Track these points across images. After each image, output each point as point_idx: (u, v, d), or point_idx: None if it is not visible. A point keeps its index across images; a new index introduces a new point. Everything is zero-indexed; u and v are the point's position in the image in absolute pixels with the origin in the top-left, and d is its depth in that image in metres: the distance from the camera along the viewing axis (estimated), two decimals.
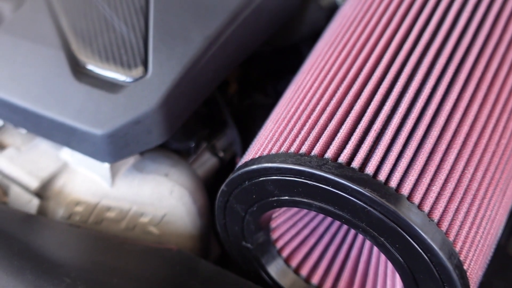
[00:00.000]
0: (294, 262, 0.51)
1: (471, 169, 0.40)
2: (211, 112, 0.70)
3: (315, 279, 0.51)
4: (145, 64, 0.56)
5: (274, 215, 0.48)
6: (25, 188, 0.58)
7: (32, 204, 0.57)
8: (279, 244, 0.51)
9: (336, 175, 0.36)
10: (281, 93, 0.62)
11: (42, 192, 0.58)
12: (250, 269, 0.51)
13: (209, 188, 0.66)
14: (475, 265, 0.39)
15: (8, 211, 0.51)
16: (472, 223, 0.39)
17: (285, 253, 0.51)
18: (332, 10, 0.81)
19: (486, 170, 0.41)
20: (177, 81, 0.53)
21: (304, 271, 0.51)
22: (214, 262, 0.64)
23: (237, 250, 0.50)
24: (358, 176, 0.36)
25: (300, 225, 0.52)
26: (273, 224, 0.49)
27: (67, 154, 0.59)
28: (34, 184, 0.57)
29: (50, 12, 0.62)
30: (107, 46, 0.58)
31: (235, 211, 0.46)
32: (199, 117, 0.68)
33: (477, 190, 0.40)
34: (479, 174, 0.40)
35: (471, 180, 0.39)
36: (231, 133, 0.73)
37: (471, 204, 0.39)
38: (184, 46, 0.55)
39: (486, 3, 0.49)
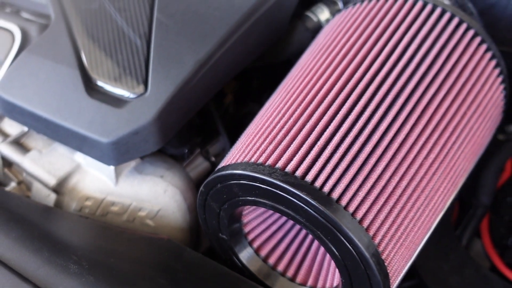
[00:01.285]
0: (263, 252, 0.61)
1: (396, 178, 0.49)
2: (204, 122, 0.81)
3: (280, 267, 0.61)
4: (145, 83, 0.67)
5: (244, 212, 0.58)
6: (45, 184, 0.69)
7: (50, 198, 0.69)
8: (251, 237, 0.61)
9: (282, 181, 0.46)
10: None
11: (58, 189, 0.69)
12: (226, 257, 0.62)
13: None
14: (396, 256, 0.48)
15: (31, 203, 0.63)
16: (393, 222, 0.48)
17: (256, 244, 0.61)
18: (317, 31, 0.91)
19: (411, 179, 0.51)
20: (170, 98, 0.64)
21: (272, 260, 0.61)
22: (203, 253, 0.75)
23: (215, 240, 0.61)
24: (299, 182, 0.46)
25: (269, 221, 0.62)
26: (245, 219, 0.59)
27: (80, 157, 0.70)
28: (52, 181, 0.69)
29: (69, 35, 0.74)
30: (116, 66, 0.69)
31: (211, 208, 0.56)
32: (193, 126, 0.78)
33: (401, 195, 0.49)
34: (404, 183, 0.50)
35: (395, 187, 0.49)
36: (223, 140, 0.84)
37: (393, 207, 0.48)
38: (178, 69, 0.66)
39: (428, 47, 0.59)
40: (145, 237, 0.62)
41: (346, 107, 0.52)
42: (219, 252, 0.63)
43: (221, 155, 0.83)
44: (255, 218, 0.60)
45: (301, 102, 0.54)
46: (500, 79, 0.66)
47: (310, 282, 0.59)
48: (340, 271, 0.49)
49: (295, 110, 0.54)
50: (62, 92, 0.67)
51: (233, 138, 0.86)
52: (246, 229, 0.60)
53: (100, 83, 0.68)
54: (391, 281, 0.48)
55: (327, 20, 0.91)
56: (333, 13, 0.91)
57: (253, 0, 0.76)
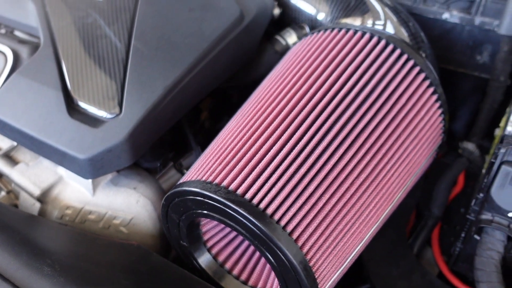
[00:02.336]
0: (221, 257, 0.69)
1: (327, 195, 0.57)
2: (176, 138, 0.89)
3: (235, 271, 0.69)
4: (120, 105, 0.74)
5: (203, 222, 0.66)
6: (30, 194, 0.77)
7: (35, 206, 0.77)
8: (210, 244, 0.69)
9: (224, 198, 0.54)
10: None
11: (42, 198, 0.77)
12: (188, 261, 0.70)
13: None
14: (324, 263, 0.56)
15: (16, 212, 0.71)
16: (322, 234, 0.56)
17: (215, 250, 0.69)
18: (285, 54, 0.98)
19: (342, 196, 0.58)
20: (141, 120, 0.71)
21: (228, 265, 0.69)
22: (173, 258, 0.83)
23: (178, 247, 0.69)
24: (239, 199, 0.54)
25: (227, 230, 0.69)
26: (204, 228, 0.67)
27: (62, 170, 0.78)
28: (36, 192, 0.77)
29: (56, 59, 0.82)
30: (95, 88, 0.77)
31: (172, 218, 0.64)
32: (166, 143, 0.86)
33: (330, 210, 0.57)
34: (334, 199, 0.57)
35: (325, 204, 0.57)
36: (196, 154, 0.92)
37: (322, 221, 0.56)
38: (149, 93, 0.74)
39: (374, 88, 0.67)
40: (116, 243, 0.70)
41: (288, 133, 0.60)
42: (182, 257, 0.70)
43: None
44: (213, 227, 0.68)
45: (249, 128, 0.62)
46: (437, 104, 0.74)
47: (260, 284, 0.66)
48: (276, 276, 0.56)
49: (244, 135, 0.62)
50: (46, 112, 0.75)
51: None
52: (206, 237, 0.68)
53: (81, 104, 0.76)
54: (320, 284, 0.56)
55: (295, 43, 0.98)
56: (300, 37, 0.99)
57: (222, 28, 0.85)
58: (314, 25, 0.99)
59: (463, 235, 0.77)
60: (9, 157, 0.83)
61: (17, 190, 0.80)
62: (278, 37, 1.00)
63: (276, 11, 1.01)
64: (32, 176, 0.79)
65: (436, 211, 0.94)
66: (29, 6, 0.95)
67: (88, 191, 0.76)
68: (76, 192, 0.77)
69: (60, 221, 0.76)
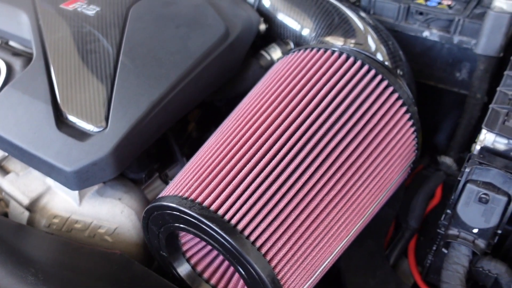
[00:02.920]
0: (200, 267, 0.72)
1: (297, 212, 0.60)
2: (162, 150, 0.92)
3: (213, 280, 0.72)
4: (107, 119, 0.78)
5: (181, 233, 0.69)
6: (20, 203, 0.81)
7: (24, 215, 0.80)
8: (189, 254, 0.72)
9: (198, 213, 0.57)
10: None
11: (31, 207, 0.80)
12: (168, 271, 0.73)
13: None
14: (292, 276, 0.59)
15: (4, 221, 0.74)
16: (290, 248, 0.59)
17: (193, 260, 0.72)
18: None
19: (311, 213, 0.62)
20: (125, 135, 0.74)
21: (207, 274, 0.72)
22: (156, 267, 0.86)
23: (158, 256, 0.72)
24: (211, 215, 0.57)
25: (204, 241, 0.73)
26: (183, 240, 0.71)
27: (51, 180, 0.82)
28: (25, 201, 0.80)
29: (47, 73, 0.85)
30: (84, 102, 0.80)
31: (152, 230, 0.68)
32: (151, 154, 0.89)
33: (299, 226, 0.60)
34: (303, 216, 0.61)
35: (295, 220, 0.60)
36: (182, 164, 0.95)
37: (291, 236, 0.59)
38: (134, 108, 0.77)
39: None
40: (100, 252, 0.73)
41: (262, 151, 0.64)
42: (162, 266, 0.74)
43: None
44: (192, 239, 0.71)
45: (226, 146, 0.66)
46: (410, 123, 0.77)
47: None
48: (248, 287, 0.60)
49: (221, 152, 0.65)
50: (36, 125, 0.78)
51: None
52: (185, 248, 0.71)
53: (69, 117, 0.79)
54: None
55: (279, 59, 1.02)
56: (284, 53, 1.03)
57: (207, 45, 0.88)
58: (299, 41, 1.02)
59: (434, 248, 0.80)
60: (0, 167, 0.87)
61: (7, 198, 0.84)
62: (263, 52, 1.03)
63: (262, 27, 1.05)
64: (21, 185, 0.82)
65: (413, 223, 0.97)
66: (23, 19, 0.98)
67: (74, 201, 0.80)
68: (63, 202, 0.80)
69: (48, 230, 0.80)
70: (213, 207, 0.58)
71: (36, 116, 0.79)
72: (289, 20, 1.02)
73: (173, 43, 0.88)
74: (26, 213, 0.80)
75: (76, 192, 0.79)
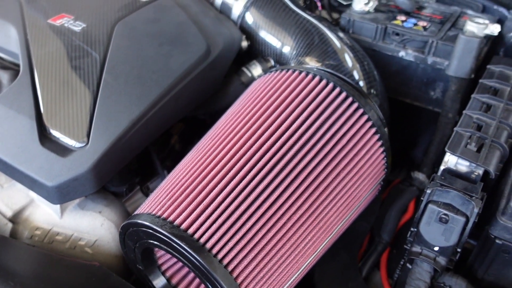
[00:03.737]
0: (175, 280, 0.76)
1: (263, 230, 0.64)
2: (142, 164, 0.95)
3: None
4: (88, 136, 0.81)
5: (155, 249, 0.72)
6: (3, 215, 0.83)
7: (7, 226, 0.83)
8: (164, 267, 0.75)
9: (168, 232, 0.60)
10: None
11: (14, 219, 0.83)
12: (145, 283, 0.76)
13: None
14: None
15: None
16: (257, 266, 0.62)
17: (169, 273, 0.75)
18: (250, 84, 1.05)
19: (278, 231, 0.65)
20: (106, 151, 0.78)
21: (182, 287, 0.75)
22: (135, 280, 0.89)
23: (135, 269, 0.75)
24: (181, 234, 0.60)
25: None
26: (158, 254, 0.74)
27: (34, 193, 0.85)
28: (9, 213, 0.83)
29: (32, 87, 0.88)
30: (67, 118, 0.83)
31: (129, 245, 0.71)
32: (132, 169, 0.92)
33: (266, 244, 0.64)
34: (270, 234, 0.64)
35: (261, 238, 0.63)
36: (163, 177, 0.98)
37: (258, 253, 0.63)
38: (115, 126, 0.80)
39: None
40: (79, 264, 0.76)
41: (232, 172, 0.67)
42: (140, 279, 0.77)
43: None
44: (166, 253, 0.74)
45: (198, 166, 0.69)
46: (379, 143, 0.81)
47: None
48: None
49: (193, 172, 0.68)
50: (20, 139, 0.81)
51: None
52: (160, 261, 0.75)
53: (53, 132, 0.82)
54: None
55: (260, 75, 1.05)
56: (265, 70, 1.06)
57: (188, 63, 0.91)
58: (279, 59, 1.05)
59: (402, 262, 0.84)
60: None
61: None
62: (245, 69, 1.06)
63: (244, 44, 1.08)
64: (5, 198, 0.85)
65: (386, 236, 1.00)
66: (11, 32, 1.01)
67: (56, 214, 0.83)
68: (46, 214, 0.83)
69: (30, 241, 0.83)
70: (183, 226, 0.62)
71: (20, 131, 0.82)
72: (270, 38, 1.06)
73: (155, 61, 0.91)
74: (10, 225, 0.83)
75: (58, 205, 0.82)
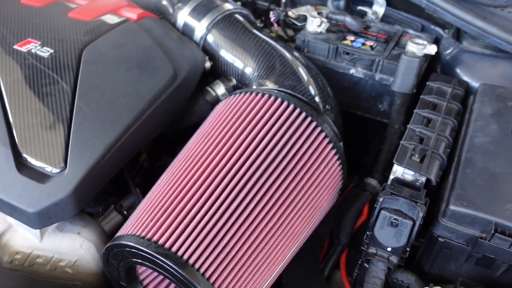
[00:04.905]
0: None
1: (239, 244, 0.71)
2: (116, 184, 0.99)
3: None
4: (65, 161, 0.85)
5: (138, 266, 0.78)
6: None
7: None
8: (145, 282, 0.81)
9: (154, 251, 0.66)
10: None
11: None
12: None
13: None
14: None
15: None
16: (235, 276, 0.70)
17: (150, 287, 0.81)
18: (216, 103, 1.12)
19: (251, 244, 0.72)
20: (84, 176, 0.82)
21: None
22: None
23: (118, 286, 0.80)
24: (166, 252, 0.67)
25: None
26: (140, 270, 0.79)
27: (12, 219, 0.87)
28: None
29: (4, 115, 0.90)
30: (42, 145, 0.86)
31: (112, 264, 0.76)
32: (107, 190, 0.97)
33: (242, 256, 0.71)
34: (245, 247, 0.72)
35: (237, 251, 0.71)
36: (135, 195, 1.03)
37: (235, 265, 0.70)
38: (91, 151, 0.84)
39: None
40: (62, 284, 0.81)
41: (207, 194, 0.74)
42: None
43: (133, 207, 1.02)
44: (147, 269, 0.80)
45: (176, 188, 0.75)
46: (336, 157, 0.90)
47: None
48: None
49: (172, 194, 0.75)
50: None
51: (147, 189, 1.05)
52: (142, 277, 0.80)
53: (29, 159, 0.85)
54: None
55: (223, 94, 1.12)
56: (228, 89, 1.13)
57: (156, 88, 0.97)
58: (241, 79, 1.13)
59: (359, 262, 0.94)
60: None
61: None
62: (209, 88, 1.13)
63: (207, 65, 1.15)
64: None
65: (344, 239, 1.10)
66: None
67: (36, 238, 0.86)
68: (25, 239, 0.86)
69: (10, 265, 0.85)
70: (167, 245, 0.68)
71: None
72: (232, 59, 1.13)
73: (124, 86, 0.96)
74: None
75: (37, 229, 0.85)
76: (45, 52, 1.01)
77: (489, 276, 0.82)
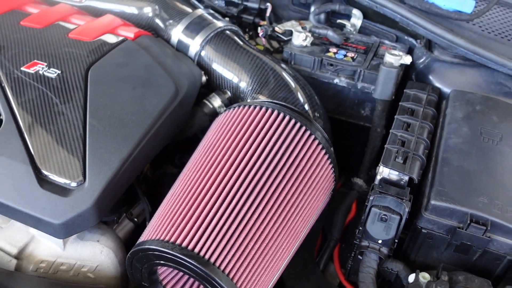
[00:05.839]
0: None
1: (252, 243, 0.80)
2: (128, 196, 1.07)
3: None
4: (84, 175, 0.92)
5: (159, 267, 0.86)
6: (7, 253, 0.92)
7: (11, 263, 0.92)
8: (164, 282, 0.89)
9: (179, 253, 0.75)
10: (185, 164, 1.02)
11: (18, 255, 0.93)
12: None
13: (129, 242, 1.04)
14: None
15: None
16: (250, 271, 0.79)
17: (169, 286, 0.90)
18: (212, 114, 1.21)
19: (262, 243, 0.82)
20: (104, 188, 0.90)
21: None
22: None
23: (140, 287, 0.88)
24: (189, 253, 0.75)
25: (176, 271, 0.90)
26: (160, 271, 0.88)
27: (34, 230, 0.94)
28: (14, 251, 0.92)
29: (20, 134, 0.97)
30: (60, 161, 0.93)
31: (136, 266, 0.84)
32: (120, 200, 1.04)
33: (255, 254, 0.80)
34: (257, 246, 0.81)
35: (251, 250, 0.80)
36: (143, 203, 1.11)
37: (249, 262, 0.79)
38: (107, 165, 0.92)
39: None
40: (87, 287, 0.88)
41: (220, 200, 0.83)
42: None
43: (141, 215, 1.10)
44: (166, 269, 0.89)
45: (191, 195, 0.84)
46: (328, 161, 1.00)
47: None
48: None
49: (188, 201, 0.84)
50: (19, 184, 0.90)
51: (151, 196, 1.13)
52: (161, 277, 0.89)
53: (49, 175, 0.92)
54: None
55: (220, 106, 1.21)
56: (223, 101, 1.22)
57: (161, 104, 1.05)
58: (236, 91, 1.22)
59: (352, 254, 1.05)
60: None
61: None
62: (206, 101, 1.22)
63: (203, 79, 1.24)
64: (7, 237, 0.94)
65: (336, 234, 1.21)
66: None
67: (59, 247, 0.93)
68: (49, 248, 0.93)
69: (35, 274, 0.92)
70: (190, 247, 0.77)
71: (17, 177, 0.91)
72: (226, 73, 1.22)
73: (132, 104, 1.03)
74: (14, 261, 0.92)
75: (61, 239, 0.92)
76: (53, 73, 1.08)
77: (466, 261, 0.94)
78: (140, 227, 1.08)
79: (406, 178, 0.96)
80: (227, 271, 0.76)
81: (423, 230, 0.94)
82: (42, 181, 0.91)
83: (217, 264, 0.76)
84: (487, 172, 0.94)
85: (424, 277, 0.89)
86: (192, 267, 0.75)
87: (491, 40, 1.21)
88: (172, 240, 0.78)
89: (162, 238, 0.79)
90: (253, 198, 0.85)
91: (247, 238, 0.81)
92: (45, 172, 0.92)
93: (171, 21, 1.29)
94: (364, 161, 1.31)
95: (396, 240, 0.95)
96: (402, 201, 0.91)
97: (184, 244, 0.77)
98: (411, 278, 0.91)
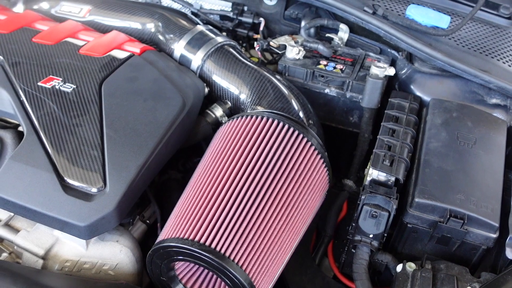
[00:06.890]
0: (189, 285, 1.00)
1: (260, 239, 0.91)
2: (141, 201, 1.17)
3: None
4: (104, 181, 1.01)
5: (176, 263, 0.96)
6: (34, 254, 1.01)
7: (38, 263, 1.01)
8: (180, 276, 0.99)
9: (198, 248, 0.85)
10: (189, 170, 1.10)
11: (45, 256, 1.01)
12: None
13: (142, 242, 1.14)
14: (262, 282, 0.90)
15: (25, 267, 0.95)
16: (260, 264, 0.90)
17: (184, 280, 1.00)
18: (215, 123, 1.31)
19: (269, 238, 0.93)
20: (124, 193, 0.99)
21: None
22: (145, 287, 1.12)
23: (158, 281, 0.98)
24: (207, 248, 0.86)
25: (191, 265, 1.00)
26: (176, 266, 0.98)
27: (58, 232, 1.03)
28: (41, 252, 1.01)
29: (41, 145, 1.06)
30: (81, 169, 1.03)
31: (156, 262, 0.94)
32: (135, 204, 1.14)
33: (264, 247, 0.91)
34: (265, 241, 0.92)
35: (260, 245, 0.91)
36: (154, 206, 1.20)
37: (259, 256, 0.90)
38: (126, 172, 1.02)
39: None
40: (111, 284, 0.98)
41: (231, 201, 0.94)
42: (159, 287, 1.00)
43: (152, 217, 1.20)
44: (183, 264, 0.99)
45: (204, 198, 0.95)
46: (324, 164, 1.12)
47: None
48: None
49: (202, 204, 0.94)
50: (45, 191, 0.99)
51: (157, 200, 1.22)
52: (177, 272, 0.99)
53: (71, 181, 1.01)
54: None
55: (221, 116, 1.32)
56: (225, 111, 1.32)
57: (171, 116, 1.15)
58: (236, 102, 1.32)
59: (346, 249, 1.16)
60: (9, 225, 1.06)
61: (19, 251, 1.03)
62: (208, 111, 1.32)
63: (206, 90, 1.34)
64: (34, 239, 1.02)
65: (330, 231, 1.33)
66: (3, 94, 1.16)
67: (82, 247, 1.02)
68: (73, 249, 1.02)
69: (60, 272, 1.01)
70: (207, 243, 0.87)
71: (43, 184, 1.00)
72: (226, 85, 1.32)
73: (144, 115, 1.13)
74: (40, 261, 1.01)
75: (84, 240, 1.02)
76: (68, 87, 1.17)
77: (447, 251, 1.07)
78: (151, 228, 1.18)
79: (393, 178, 1.08)
80: (240, 263, 0.87)
81: (408, 225, 1.06)
82: (66, 187, 1.00)
83: (232, 257, 0.87)
84: (463, 172, 1.07)
85: (410, 266, 1.01)
86: (210, 260, 0.86)
87: (465, 53, 1.34)
88: (190, 237, 0.88)
89: (181, 236, 0.89)
90: (260, 198, 0.95)
91: (256, 234, 0.91)
92: (67, 180, 1.01)
93: (172, 36, 1.39)
94: (353, 164, 1.43)
95: (385, 234, 1.07)
96: (390, 199, 1.03)
97: (202, 240, 0.87)
98: (399, 267, 1.02)
